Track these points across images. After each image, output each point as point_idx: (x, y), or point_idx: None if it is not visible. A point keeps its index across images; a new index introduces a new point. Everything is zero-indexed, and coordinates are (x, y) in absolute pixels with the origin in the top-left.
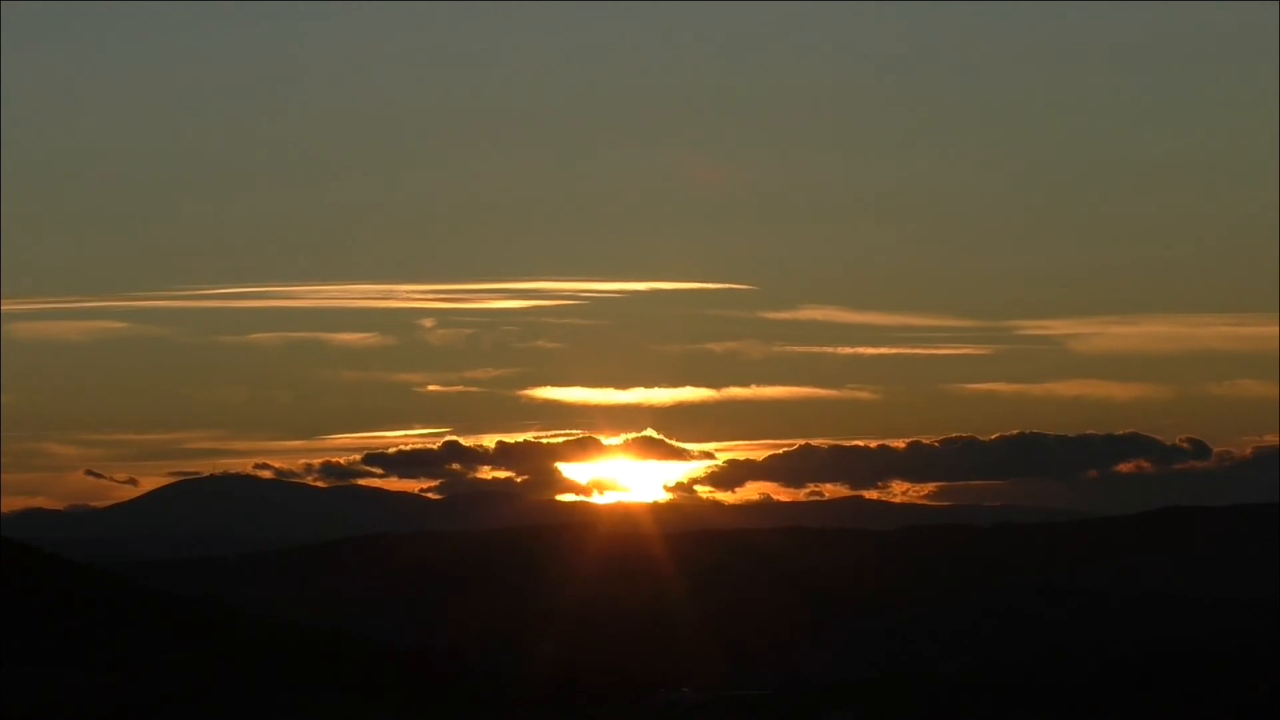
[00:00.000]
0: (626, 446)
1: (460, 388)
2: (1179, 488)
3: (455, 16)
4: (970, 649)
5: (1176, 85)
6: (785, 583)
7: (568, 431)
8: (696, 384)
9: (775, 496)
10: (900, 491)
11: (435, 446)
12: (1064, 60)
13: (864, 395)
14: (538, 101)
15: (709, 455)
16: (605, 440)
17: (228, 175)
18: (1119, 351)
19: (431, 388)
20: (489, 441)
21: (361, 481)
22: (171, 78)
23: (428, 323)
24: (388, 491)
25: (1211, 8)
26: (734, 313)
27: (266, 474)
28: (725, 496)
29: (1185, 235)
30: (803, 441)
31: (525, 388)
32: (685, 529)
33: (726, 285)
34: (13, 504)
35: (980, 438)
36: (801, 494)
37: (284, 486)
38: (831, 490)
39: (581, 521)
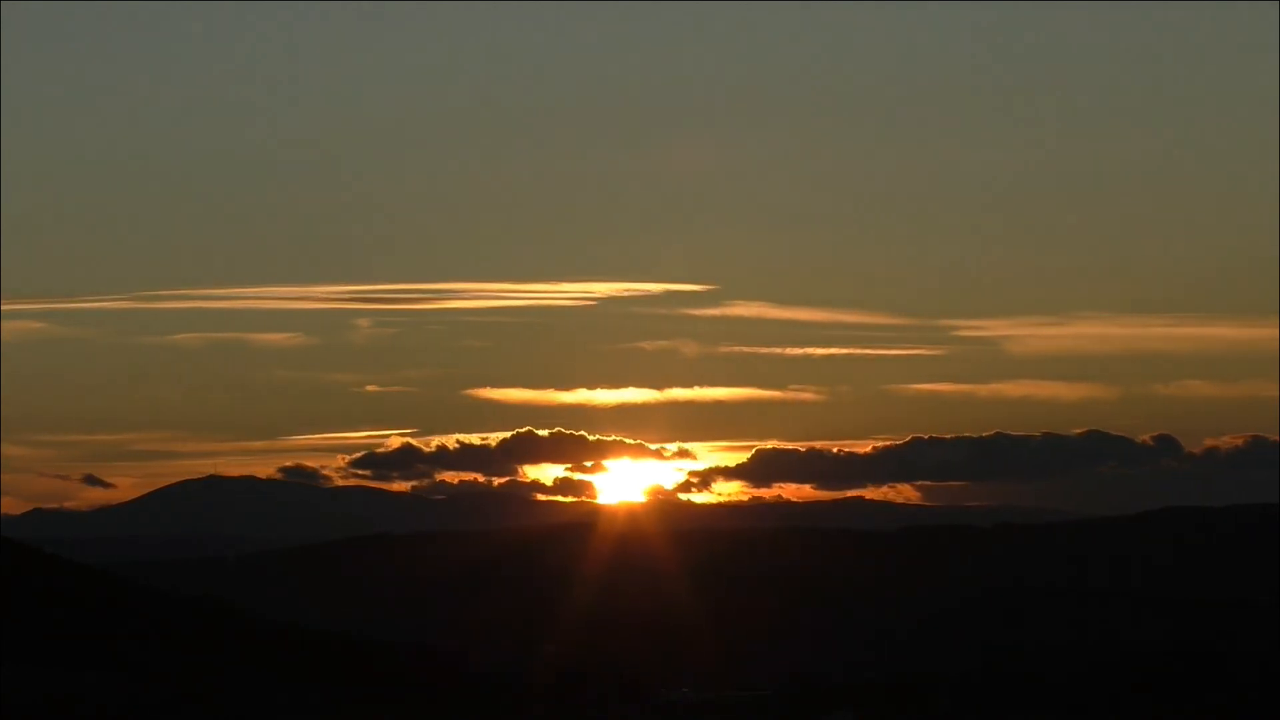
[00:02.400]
0: (599, 447)
1: (399, 388)
2: (1166, 487)
3: (383, 20)
4: (970, 649)
5: (1117, 87)
6: (784, 583)
7: (521, 431)
8: (638, 384)
9: (752, 497)
10: (878, 493)
11: (393, 447)
12: (1007, 62)
13: (807, 396)
14: (466, 104)
15: (688, 455)
16: (574, 440)
17: (147, 179)
18: (1056, 352)
19: (370, 388)
20: (449, 442)
21: (343, 483)
22: (94, 84)
23: (363, 323)
24: (387, 492)
25: (1193, 8)
26: (664, 311)
27: (237, 473)
28: (708, 497)
29: (1119, 237)
30: (756, 442)
31: (463, 388)
32: (680, 529)
33: (660, 285)
34: None
35: (944, 438)
36: (768, 495)
37: (284, 487)
38: (807, 492)
39: (576, 522)
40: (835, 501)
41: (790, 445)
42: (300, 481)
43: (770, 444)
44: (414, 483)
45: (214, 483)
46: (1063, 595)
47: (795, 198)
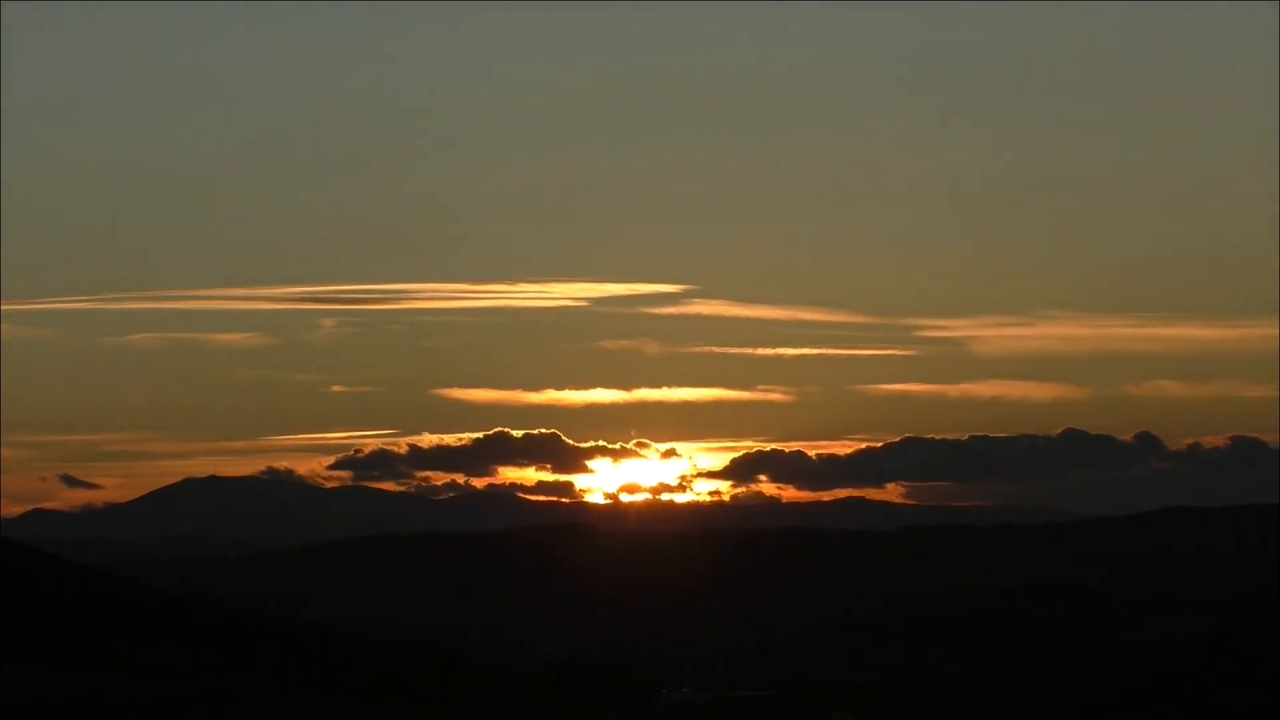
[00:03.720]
0: (580, 447)
1: (365, 388)
2: (1158, 487)
3: (341, 22)
4: (970, 649)
5: (1083, 86)
6: (781, 583)
7: (495, 431)
8: (605, 385)
9: (734, 497)
10: (866, 493)
11: (371, 448)
12: (971, 62)
13: (776, 396)
14: (424, 106)
15: (673, 455)
16: (552, 441)
17: (102, 181)
18: (1023, 352)
19: (335, 388)
20: (426, 442)
21: (330, 484)
22: (49, 88)
23: (328, 323)
24: (385, 492)
25: (1174, 7)
26: (625, 310)
27: (231, 473)
28: (692, 497)
29: (1081, 236)
30: (731, 442)
31: (430, 388)
32: (674, 530)
33: (623, 285)
34: None
35: (925, 438)
36: (755, 495)
37: (282, 487)
38: (793, 493)
39: (570, 523)
40: (827, 502)
41: (768, 446)
42: (298, 482)
43: (747, 444)
44: (393, 483)
45: (213, 483)
46: (1064, 595)
47: (757, 197)
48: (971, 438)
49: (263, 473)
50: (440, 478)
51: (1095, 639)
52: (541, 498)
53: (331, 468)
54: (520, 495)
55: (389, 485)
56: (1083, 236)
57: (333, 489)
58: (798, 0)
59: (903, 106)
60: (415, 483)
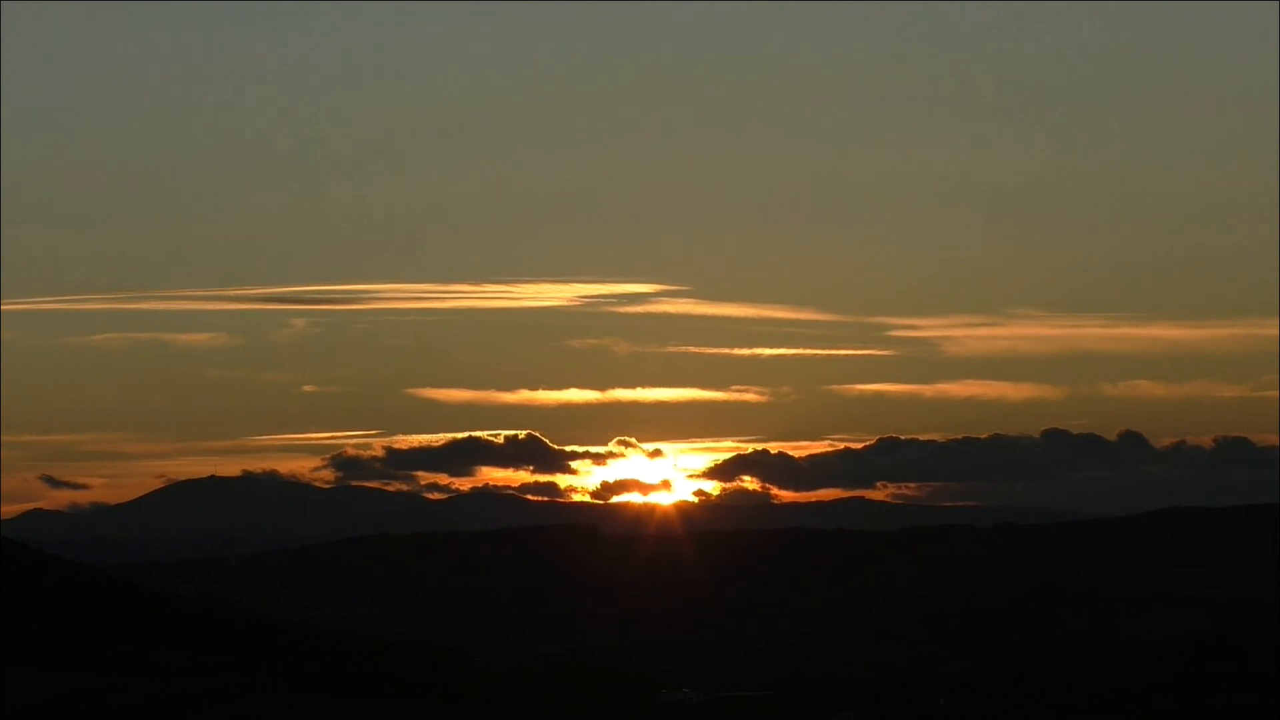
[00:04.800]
0: (563, 448)
1: (336, 388)
2: (1154, 487)
3: (309, 25)
4: (970, 649)
5: (1056, 87)
6: (783, 582)
7: (477, 433)
8: (579, 385)
9: (723, 495)
10: (859, 493)
11: (357, 447)
12: (947, 63)
13: (751, 397)
14: (388, 105)
15: (659, 455)
16: (534, 442)
17: (62, 183)
18: (995, 352)
19: (307, 388)
20: (410, 443)
21: (324, 485)
22: (13, 88)
23: (297, 323)
24: (384, 492)
25: (1163, 7)
26: (595, 310)
27: (229, 474)
28: (681, 497)
29: (1050, 236)
30: (712, 442)
31: (402, 388)
32: (676, 529)
33: (595, 285)
34: None
35: (909, 439)
36: (745, 495)
37: (280, 487)
38: (785, 493)
39: (567, 523)
40: (822, 502)
41: (748, 446)
42: (295, 483)
43: (725, 444)
44: (382, 483)
45: (210, 483)
46: (1064, 595)
47: (727, 198)
48: (955, 439)
49: (256, 473)
50: (424, 478)
51: (1095, 639)
52: (539, 498)
53: (319, 468)
54: (518, 496)
55: (382, 485)
56: (1054, 237)
57: (330, 489)
58: (773, 0)
59: (878, 108)
60: (404, 484)
